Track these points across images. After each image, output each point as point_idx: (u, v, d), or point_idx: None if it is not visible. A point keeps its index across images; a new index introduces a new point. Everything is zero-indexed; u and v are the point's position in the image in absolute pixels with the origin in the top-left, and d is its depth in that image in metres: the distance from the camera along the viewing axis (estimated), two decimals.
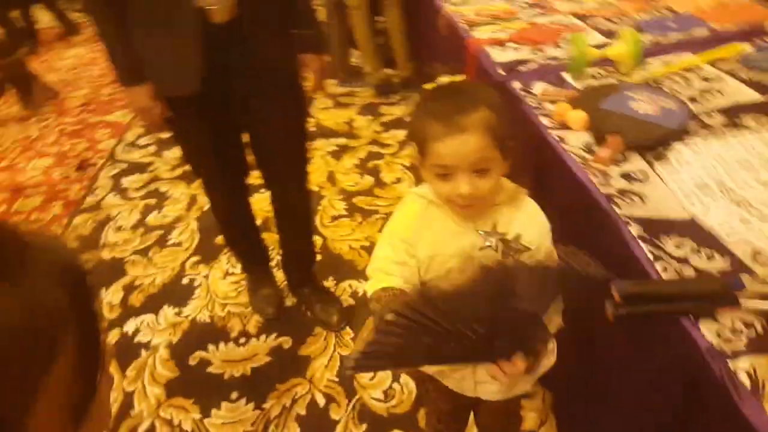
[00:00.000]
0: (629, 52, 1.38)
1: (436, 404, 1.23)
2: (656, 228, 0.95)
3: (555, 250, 0.94)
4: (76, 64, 5.14)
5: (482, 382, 1.03)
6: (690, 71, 1.42)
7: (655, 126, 1.16)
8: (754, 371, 0.70)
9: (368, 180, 2.78)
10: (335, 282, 2.17)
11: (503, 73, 1.55)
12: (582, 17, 1.85)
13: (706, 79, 1.37)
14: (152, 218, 2.74)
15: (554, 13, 1.92)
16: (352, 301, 2.09)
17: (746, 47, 1.45)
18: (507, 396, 1.06)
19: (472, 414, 1.30)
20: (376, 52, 3.46)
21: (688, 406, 0.77)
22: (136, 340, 2.08)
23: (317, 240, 2.32)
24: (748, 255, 0.88)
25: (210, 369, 1.92)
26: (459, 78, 0.98)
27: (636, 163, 1.12)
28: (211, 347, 2.00)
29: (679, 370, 0.78)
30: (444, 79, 0.96)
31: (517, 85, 1.47)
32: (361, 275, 2.19)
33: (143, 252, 2.52)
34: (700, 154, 1.10)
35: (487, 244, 0.92)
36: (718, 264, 0.87)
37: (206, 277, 2.31)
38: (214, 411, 1.77)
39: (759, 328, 0.75)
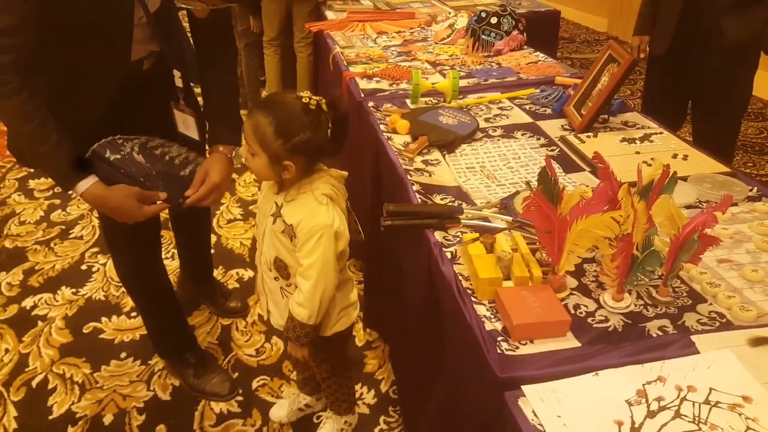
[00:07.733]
0: (449, 85, 1.99)
1: None
2: (431, 189, 1.51)
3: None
4: None
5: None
6: (493, 103, 2.05)
7: (451, 132, 1.75)
8: (455, 251, 1.24)
9: None
10: (224, 270, 2.61)
11: (363, 95, 2.13)
12: (434, 64, 2.48)
13: (501, 108, 2.00)
14: (55, 215, 3.07)
15: (415, 60, 2.55)
16: (237, 285, 2.53)
17: (536, 90, 2.11)
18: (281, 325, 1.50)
19: None
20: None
21: (428, 279, 1.30)
22: (33, 313, 2.40)
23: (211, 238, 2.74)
24: (482, 202, 1.44)
25: (102, 336, 2.28)
26: (285, 92, 1.45)
27: (434, 155, 1.69)
28: (104, 319, 2.36)
29: (425, 262, 1.31)
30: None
31: (371, 104, 2.05)
32: (247, 265, 2.64)
33: (45, 243, 2.85)
34: (476, 150, 1.69)
35: (272, 213, 1.38)
36: None
37: (104, 264, 2.67)
38: (103, 367, 2.13)
39: (468, 234, 1.30)
